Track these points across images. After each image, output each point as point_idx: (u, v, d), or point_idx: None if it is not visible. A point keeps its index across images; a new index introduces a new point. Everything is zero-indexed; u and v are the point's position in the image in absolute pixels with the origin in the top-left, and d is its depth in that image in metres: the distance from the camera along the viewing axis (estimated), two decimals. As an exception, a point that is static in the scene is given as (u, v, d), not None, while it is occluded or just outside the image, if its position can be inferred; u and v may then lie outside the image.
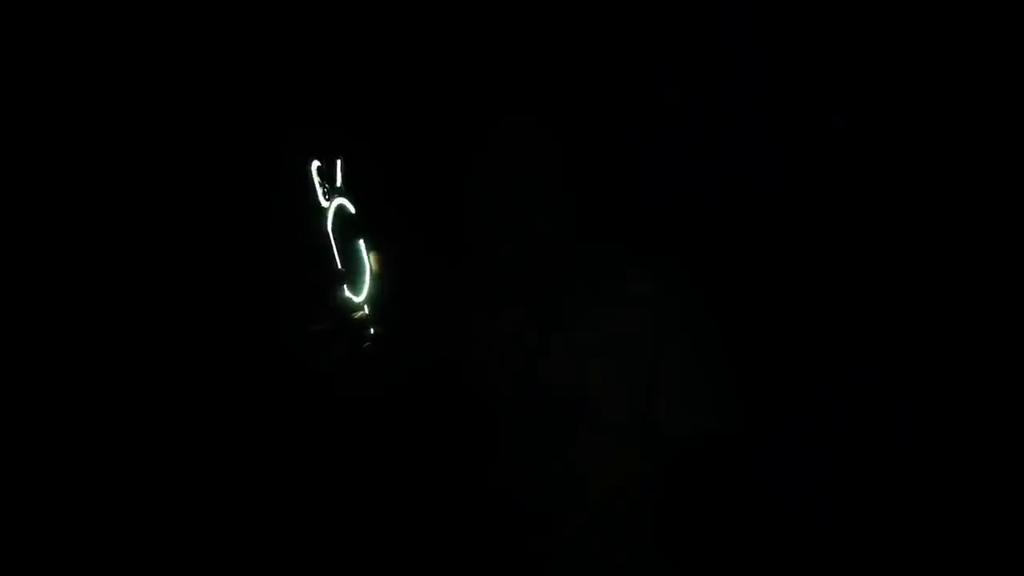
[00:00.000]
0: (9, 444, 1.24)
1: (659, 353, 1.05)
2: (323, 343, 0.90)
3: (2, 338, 1.25)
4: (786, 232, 1.39)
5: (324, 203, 0.93)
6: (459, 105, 1.09)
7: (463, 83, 1.11)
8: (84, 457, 1.27)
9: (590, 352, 1.05)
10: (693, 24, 1.36)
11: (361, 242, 1.00)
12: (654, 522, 1.08)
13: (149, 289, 1.31)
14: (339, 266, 0.92)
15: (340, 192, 0.97)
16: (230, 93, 1.32)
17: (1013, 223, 1.30)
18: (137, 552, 1.27)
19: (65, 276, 1.28)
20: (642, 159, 1.39)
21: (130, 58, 1.29)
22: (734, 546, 1.25)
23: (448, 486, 1.10)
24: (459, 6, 1.33)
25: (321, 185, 0.93)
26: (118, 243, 1.30)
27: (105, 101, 1.29)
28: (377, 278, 0.99)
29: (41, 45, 1.26)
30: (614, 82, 1.37)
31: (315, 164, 0.93)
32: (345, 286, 0.93)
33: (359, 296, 0.96)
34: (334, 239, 0.93)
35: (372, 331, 0.96)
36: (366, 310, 0.96)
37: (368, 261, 1.00)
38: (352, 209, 0.99)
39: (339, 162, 0.98)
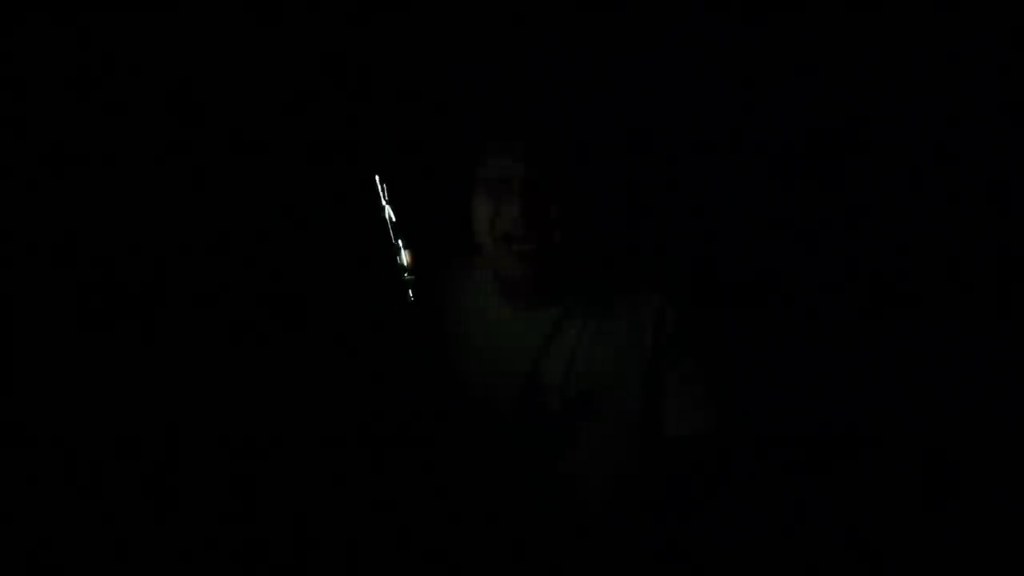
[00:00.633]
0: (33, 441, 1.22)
1: (659, 353, 1.05)
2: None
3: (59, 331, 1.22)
4: (786, 232, 1.39)
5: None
6: (459, 106, 1.09)
7: (463, 83, 1.11)
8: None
9: (590, 352, 1.05)
10: (693, 24, 1.36)
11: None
12: (654, 522, 1.08)
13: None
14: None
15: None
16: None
17: (1013, 223, 1.30)
18: (139, 553, 1.27)
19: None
20: (642, 159, 1.39)
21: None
22: (734, 546, 1.25)
23: (448, 486, 1.10)
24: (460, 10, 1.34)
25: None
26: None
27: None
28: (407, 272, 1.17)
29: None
30: (614, 82, 1.37)
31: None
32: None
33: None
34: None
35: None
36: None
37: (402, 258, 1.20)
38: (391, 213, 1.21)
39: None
